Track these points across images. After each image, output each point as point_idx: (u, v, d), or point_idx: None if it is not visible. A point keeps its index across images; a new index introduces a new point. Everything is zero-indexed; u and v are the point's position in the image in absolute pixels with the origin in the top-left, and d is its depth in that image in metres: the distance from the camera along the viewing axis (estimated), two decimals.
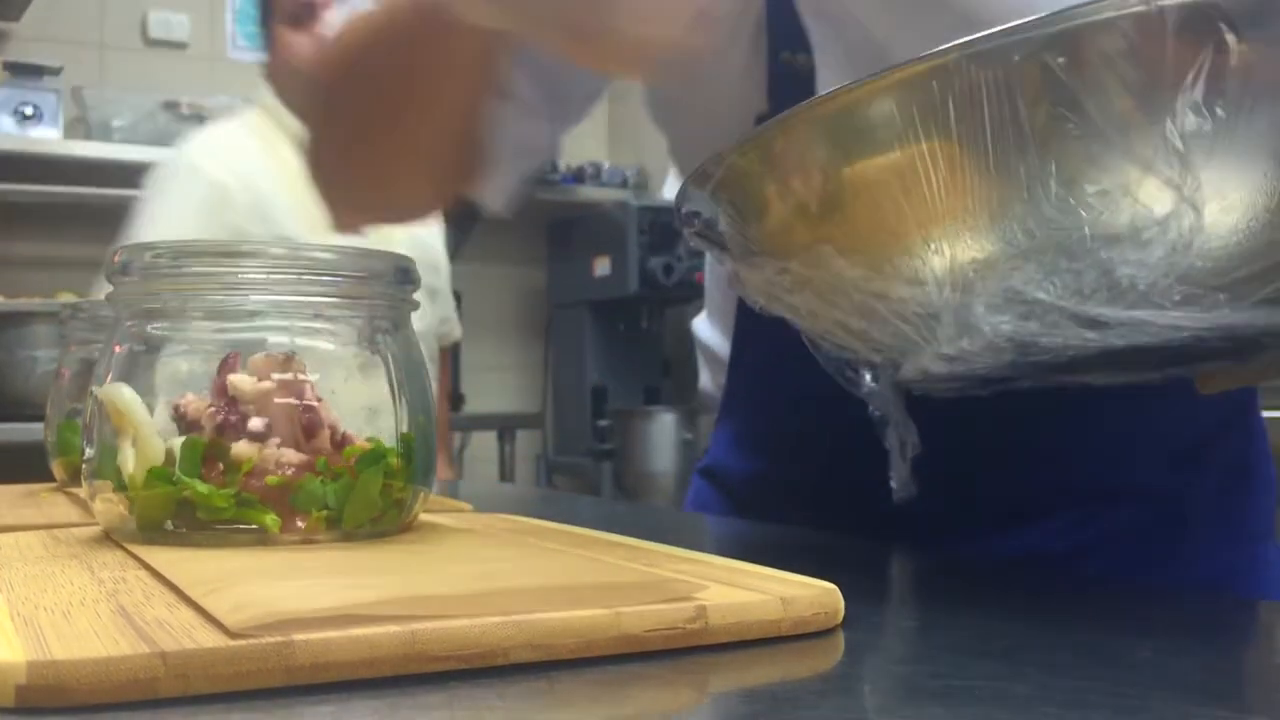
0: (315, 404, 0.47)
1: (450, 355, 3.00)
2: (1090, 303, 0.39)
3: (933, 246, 0.41)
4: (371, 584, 0.35)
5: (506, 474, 3.33)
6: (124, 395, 0.46)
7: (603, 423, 3.29)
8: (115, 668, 0.28)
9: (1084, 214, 0.38)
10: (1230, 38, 0.35)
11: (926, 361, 0.45)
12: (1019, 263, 0.40)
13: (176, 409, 0.47)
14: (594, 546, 0.47)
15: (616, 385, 3.38)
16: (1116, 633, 0.39)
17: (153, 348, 0.49)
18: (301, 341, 0.48)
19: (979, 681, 0.32)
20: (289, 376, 0.47)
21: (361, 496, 0.46)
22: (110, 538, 0.48)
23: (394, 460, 0.47)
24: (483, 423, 3.36)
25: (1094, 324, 0.40)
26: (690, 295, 3.28)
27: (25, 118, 2.85)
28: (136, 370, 0.48)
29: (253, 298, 0.47)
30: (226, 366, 0.47)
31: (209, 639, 0.30)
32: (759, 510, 0.72)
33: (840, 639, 0.37)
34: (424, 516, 0.53)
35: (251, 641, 0.29)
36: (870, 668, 0.34)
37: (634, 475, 3.21)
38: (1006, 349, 0.42)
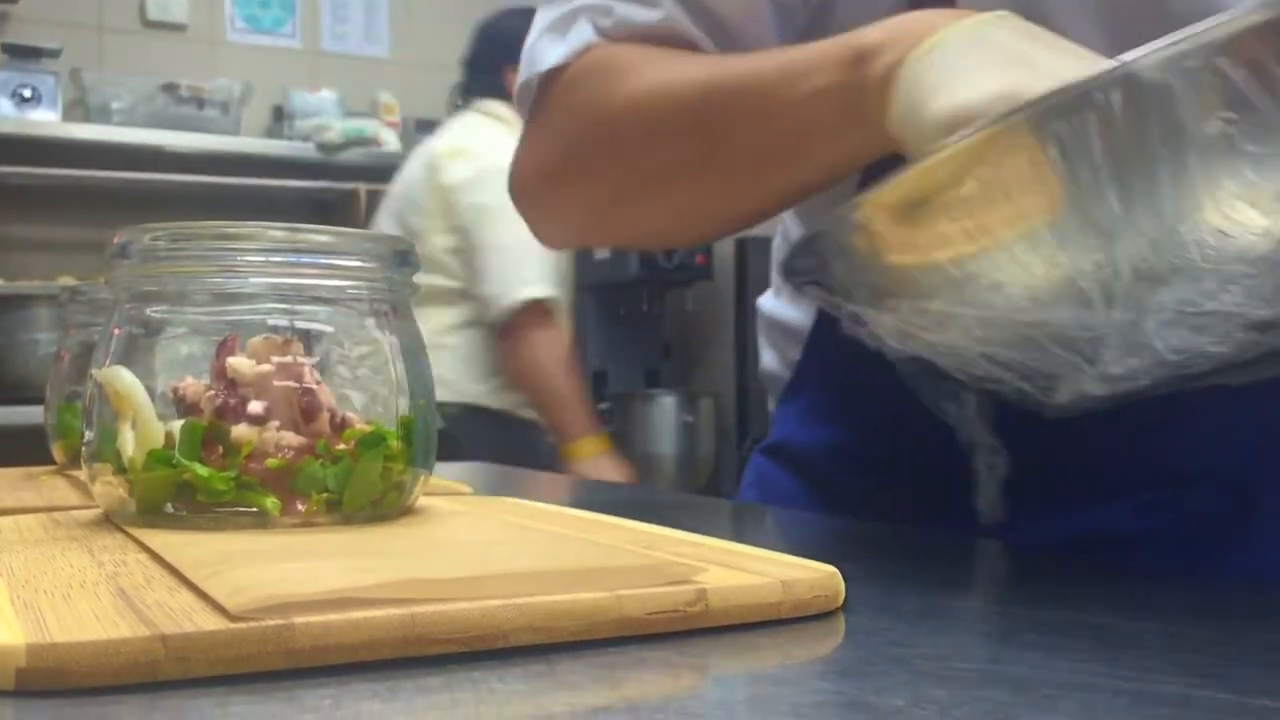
0: (314, 387, 0.47)
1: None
2: (1263, 307, 0.39)
3: (1102, 268, 0.39)
4: (371, 567, 0.35)
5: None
6: (123, 378, 0.46)
7: (603, 406, 3.29)
8: (115, 650, 0.28)
9: (1263, 220, 0.37)
10: None
11: (1086, 384, 0.44)
12: (1196, 275, 0.39)
13: (175, 392, 0.47)
14: (594, 529, 0.47)
15: (617, 368, 3.38)
16: (1118, 615, 0.39)
17: (152, 331, 0.49)
18: (301, 324, 0.48)
19: (979, 664, 0.32)
20: (288, 359, 0.47)
21: (361, 479, 0.46)
22: (110, 520, 0.48)
23: (394, 443, 0.47)
24: None
25: (1267, 327, 0.40)
26: (690, 278, 3.27)
27: (24, 100, 2.84)
28: (136, 353, 0.48)
29: (252, 280, 0.47)
30: (225, 349, 0.47)
31: (209, 622, 0.30)
32: (831, 482, 0.71)
33: (841, 621, 0.37)
34: (424, 500, 0.53)
35: (252, 624, 0.29)
36: (870, 650, 0.34)
37: (635, 458, 3.20)
38: (1176, 362, 0.41)
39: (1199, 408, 0.61)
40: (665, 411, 3.20)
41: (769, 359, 0.80)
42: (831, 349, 0.71)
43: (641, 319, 3.39)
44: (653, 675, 0.31)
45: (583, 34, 0.66)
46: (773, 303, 0.79)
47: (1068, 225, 0.39)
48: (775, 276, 0.81)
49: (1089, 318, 0.41)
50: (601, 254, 3.23)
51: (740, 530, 0.69)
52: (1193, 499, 0.62)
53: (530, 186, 0.71)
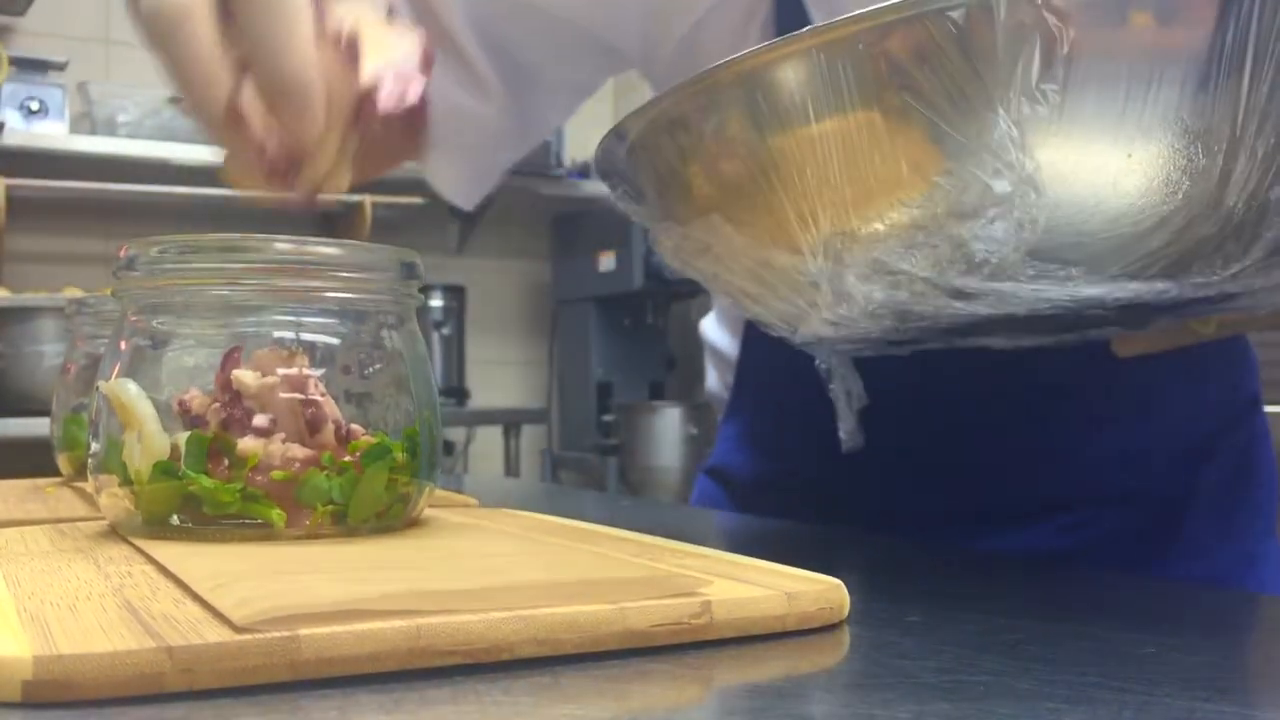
0: (319, 399, 0.47)
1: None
2: (949, 274, 0.41)
3: (806, 218, 0.42)
4: (377, 579, 0.35)
5: (512, 469, 3.33)
6: (129, 390, 0.46)
7: (608, 418, 3.29)
8: (121, 662, 0.28)
9: (934, 193, 0.39)
10: (1055, 24, 0.36)
11: (816, 327, 0.46)
12: (881, 236, 0.41)
13: (181, 404, 0.47)
14: (599, 541, 0.47)
15: (621, 380, 3.38)
16: (1121, 628, 0.39)
17: (158, 342, 0.49)
18: (306, 336, 0.48)
19: (984, 676, 0.32)
20: (293, 371, 0.47)
21: (367, 491, 0.46)
22: (116, 532, 0.48)
23: (399, 455, 0.47)
24: (488, 418, 3.37)
25: (959, 294, 0.41)
26: (695, 290, 3.27)
27: (31, 113, 2.85)
28: (142, 365, 0.48)
29: (258, 293, 0.47)
30: (230, 361, 0.47)
31: (215, 634, 0.30)
32: (761, 509, 0.73)
33: (845, 634, 0.37)
34: (429, 511, 0.53)
35: (257, 636, 0.29)
36: (875, 663, 0.34)
37: (639, 470, 3.21)
38: (884, 315, 0.44)
39: (1119, 429, 0.63)
40: (670, 424, 3.20)
41: (712, 380, 0.82)
42: (758, 377, 0.72)
43: (646, 331, 3.40)
44: (657, 688, 0.31)
45: None
46: (714, 328, 0.81)
47: (778, 176, 0.42)
48: (715, 300, 0.81)
49: (801, 263, 0.43)
50: (607, 265, 3.24)
51: (744, 543, 0.69)
52: (1114, 518, 0.63)
53: None
